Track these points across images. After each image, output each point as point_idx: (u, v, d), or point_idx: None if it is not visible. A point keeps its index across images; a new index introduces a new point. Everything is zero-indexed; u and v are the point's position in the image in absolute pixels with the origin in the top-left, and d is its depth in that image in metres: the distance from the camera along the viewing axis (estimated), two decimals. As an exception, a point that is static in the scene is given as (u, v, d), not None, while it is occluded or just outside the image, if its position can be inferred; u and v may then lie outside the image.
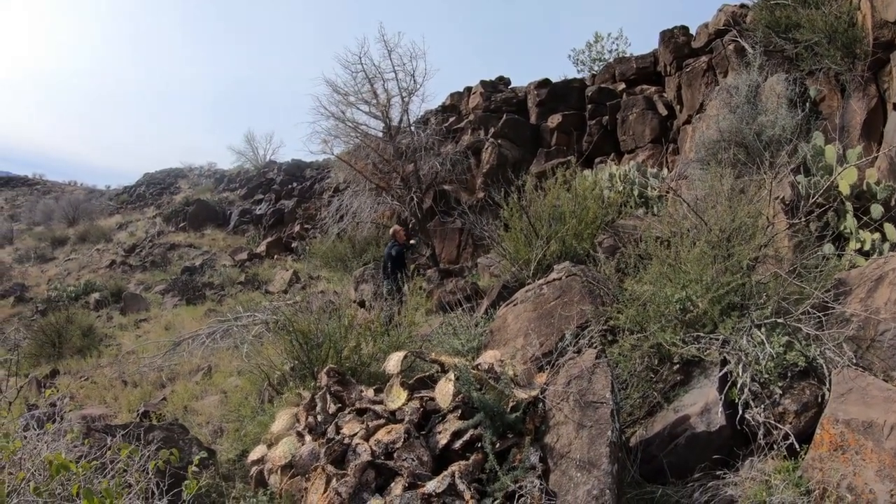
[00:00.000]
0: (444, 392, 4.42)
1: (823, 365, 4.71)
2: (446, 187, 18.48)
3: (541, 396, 4.40)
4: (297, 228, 26.16)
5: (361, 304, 13.23)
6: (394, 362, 5.00)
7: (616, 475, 3.73)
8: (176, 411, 8.80)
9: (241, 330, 12.33)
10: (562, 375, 4.46)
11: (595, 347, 4.90)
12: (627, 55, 19.30)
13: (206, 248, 27.85)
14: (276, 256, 25.15)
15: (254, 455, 5.53)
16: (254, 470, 5.42)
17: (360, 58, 17.26)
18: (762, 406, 4.61)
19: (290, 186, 30.89)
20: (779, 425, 4.48)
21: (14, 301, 22.29)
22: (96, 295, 21.76)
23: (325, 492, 4.05)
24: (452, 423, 4.29)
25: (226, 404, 8.50)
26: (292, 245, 25.53)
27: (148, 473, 4.01)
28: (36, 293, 23.71)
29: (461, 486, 3.80)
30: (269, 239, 26.56)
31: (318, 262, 21.32)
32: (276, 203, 29.83)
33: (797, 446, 4.32)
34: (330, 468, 4.14)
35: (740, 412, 4.61)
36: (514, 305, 7.00)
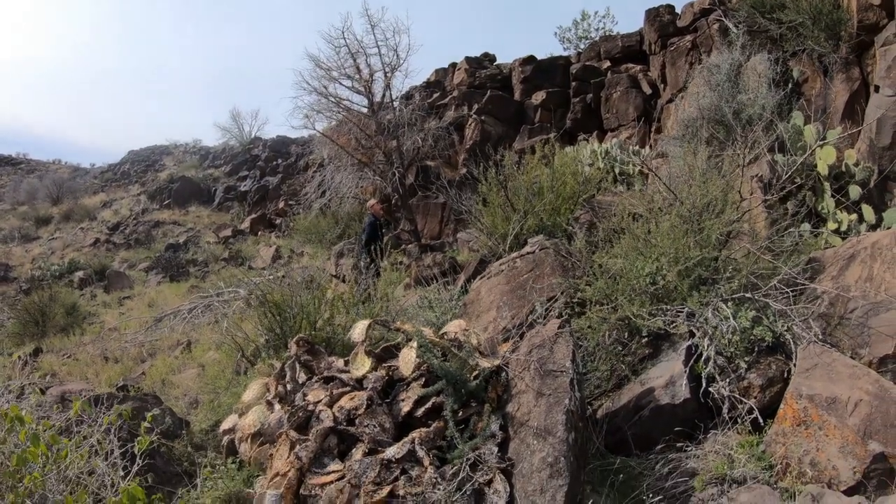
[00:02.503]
0: (407, 360, 4.43)
1: (791, 341, 4.73)
2: (429, 163, 18.43)
3: (504, 366, 4.41)
4: (281, 205, 26.03)
5: (342, 278, 13.22)
6: (358, 331, 4.99)
7: (573, 443, 3.73)
8: (154, 385, 8.79)
9: (222, 305, 12.31)
10: (524, 344, 4.46)
11: (560, 318, 4.90)
12: (613, 33, 19.21)
13: (191, 226, 27.72)
14: (259, 233, 25.07)
15: (225, 424, 5.54)
16: (225, 439, 5.44)
17: (342, 32, 17.06)
18: (727, 380, 4.62)
19: (274, 163, 30.71)
20: (743, 399, 4.50)
21: (-2, 281, 22.17)
22: (80, 273, 21.65)
23: (288, 457, 4.06)
24: (415, 391, 4.29)
25: (203, 377, 8.51)
26: (276, 221, 25.42)
27: (109, 434, 4.01)
28: (20, 273, 23.55)
29: (420, 453, 3.81)
30: (254, 215, 26.44)
31: (302, 238, 21.25)
32: (260, 179, 29.65)
33: (761, 421, 4.34)
34: (293, 434, 4.14)
35: (704, 385, 4.63)
36: (488, 278, 7.00)
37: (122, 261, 23.96)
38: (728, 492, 3.80)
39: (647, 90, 15.38)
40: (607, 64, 17.40)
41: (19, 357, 11.85)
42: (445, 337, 4.67)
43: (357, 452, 3.91)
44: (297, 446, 4.00)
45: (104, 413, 4.19)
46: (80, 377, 10.23)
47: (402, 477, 3.71)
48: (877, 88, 8.63)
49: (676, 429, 4.48)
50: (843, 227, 6.83)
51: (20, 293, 20.02)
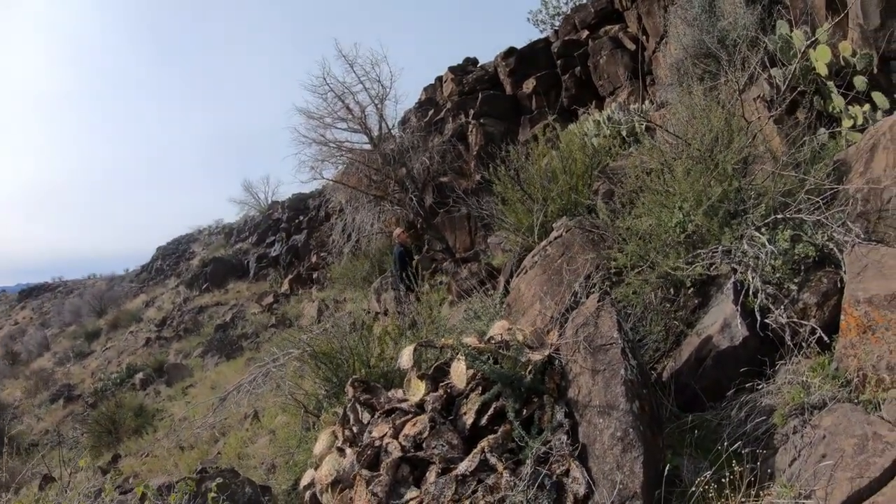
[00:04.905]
0: (459, 373, 4.39)
1: (835, 249, 4.59)
2: (442, 179, 18.38)
3: (554, 353, 4.35)
4: (313, 259, 26.21)
5: (386, 312, 13.26)
6: (406, 357, 4.96)
7: (639, 412, 3.65)
8: (231, 460, 8.94)
9: (278, 369, 12.45)
10: (569, 327, 4.40)
11: (598, 292, 4.82)
12: (583, 1, 19.06)
13: (233, 302, 28.11)
14: (300, 291, 25.27)
15: (304, 480, 5.55)
16: (307, 494, 5.43)
17: (324, 79, 17.14)
18: (782, 307, 4.49)
19: (297, 221, 30.98)
20: (803, 322, 4.37)
21: (64, 402, 22.67)
22: (140, 375, 22.18)
23: (365, 496, 4.05)
24: (474, 401, 4.25)
25: (275, 442, 8.61)
26: (313, 276, 25.61)
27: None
28: (83, 389, 24.12)
29: (493, 460, 3.77)
30: (290, 276, 26.67)
31: (341, 286, 21.32)
32: (288, 241, 29.94)
33: (826, 339, 4.21)
34: (365, 472, 4.13)
35: (759, 319, 4.50)
36: (525, 273, 6.94)
37: (176, 353, 24.43)
38: (810, 420, 3.67)
39: (631, 46, 15.16)
40: (586, 33, 17.21)
41: (90, 466, 12.04)
42: (492, 341, 4.62)
43: (431, 475, 3.88)
44: (372, 483, 3.98)
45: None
46: (161, 472, 10.47)
47: (479, 488, 3.67)
48: (851, -30, 8.36)
49: (743, 370, 4.36)
50: (860, 121, 6.59)
51: (87, 408, 20.48)
